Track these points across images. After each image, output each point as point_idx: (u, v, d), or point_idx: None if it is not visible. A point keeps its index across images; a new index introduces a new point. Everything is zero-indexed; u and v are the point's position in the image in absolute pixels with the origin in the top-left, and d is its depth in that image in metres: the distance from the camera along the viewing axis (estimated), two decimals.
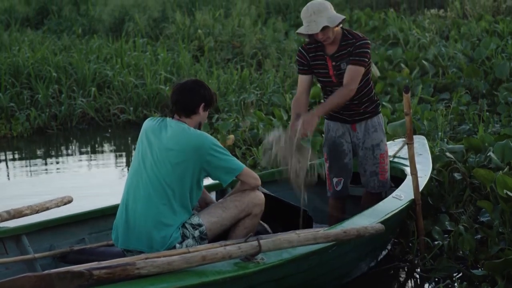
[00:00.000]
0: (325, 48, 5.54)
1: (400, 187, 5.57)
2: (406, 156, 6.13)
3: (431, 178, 6.45)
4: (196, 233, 4.68)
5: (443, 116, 8.21)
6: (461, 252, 5.56)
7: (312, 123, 5.26)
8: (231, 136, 9.23)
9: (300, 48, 5.64)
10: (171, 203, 4.63)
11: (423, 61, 11.17)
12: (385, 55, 11.91)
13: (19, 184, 8.48)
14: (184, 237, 4.64)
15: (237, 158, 8.77)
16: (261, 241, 4.16)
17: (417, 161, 5.91)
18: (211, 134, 9.52)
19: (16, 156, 9.90)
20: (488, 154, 6.47)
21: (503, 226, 5.49)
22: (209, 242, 4.73)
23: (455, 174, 6.44)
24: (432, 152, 6.78)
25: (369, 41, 5.50)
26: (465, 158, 6.69)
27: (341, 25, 5.49)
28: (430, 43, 12.41)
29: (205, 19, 15.35)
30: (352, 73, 5.40)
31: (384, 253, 5.73)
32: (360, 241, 4.83)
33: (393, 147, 6.49)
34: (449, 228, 5.82)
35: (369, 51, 5.46)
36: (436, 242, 5.66)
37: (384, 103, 9.42)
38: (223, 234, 4.86)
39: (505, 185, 5.44)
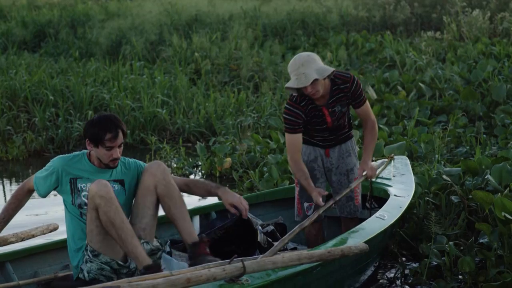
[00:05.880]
0: (315, 100, 5.46)
1: (383, 207, 5.53)
2: (389, 176, 6.15)
3: (427, 202, 6.44)
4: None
5: (440, 139, 8.21)
6: (460, 275, 5.54)
7: (375, 169, 5.72)
8: (228, 159, 9.22)
9: (289, 107, 5.47)
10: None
11: (420, 84, 11.18)
12: (381, 78, 11.93)
13: None
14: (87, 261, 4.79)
15: (234, 181, 8.77)
16: (245, 262, 4.14)
17: (399, 181, 5.94)
18: (208, 158, 9.56)
19: (13, 179, 9.88)
20: (485, 177, 6.45)
21: (502, 248, 5.47)
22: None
23: (452, 197, 6.43)
24: (429, 175, 6.78)
25: (356, 77, 5.54)
26: (462, 181, 6.67)
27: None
28: (427, 65, 12.44)
29: (202, 42, 15.38)
30: (366, 111, 5.62)
31: (370, 273, 5.70)
32: (345, 261, 4.82)
33: None
34: (447, 250, 5.79)
35: (361, 85, 5.55)
36: (431, 261, 5.64)
37: (381, 125, 9.42)
38: None
39: (503, 208, 5.42)
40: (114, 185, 4.88)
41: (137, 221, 4.82)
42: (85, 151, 4.94)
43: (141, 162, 5.06)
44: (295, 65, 5.28)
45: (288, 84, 5.33)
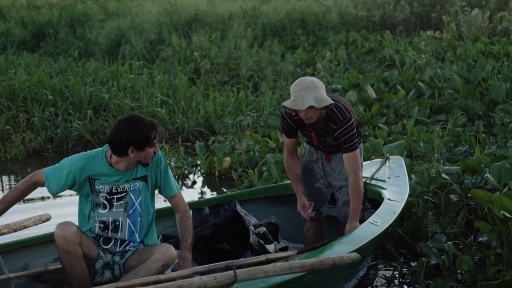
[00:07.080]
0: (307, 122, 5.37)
1: (377, 212, 5.47)
2: (384, 178, 6.11)
3: (426, 200, 6.43)
4: None
5: (439, 138, 8.20)
6: (459, 274, 5.54)
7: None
8: (228, 159, 9.21)
9: (284, 114, 5.45)
10: None
11: (419, 83, 11.17)
12: (381, 77, 11.92)
13: None
14: None
15: (233, 180, 8.77)
16: (237, 270, 4.14)
17: (394, 183, 5.89)
18: (207, 157, 9.55)
19: (12, 179, 9.88)
20: (484, 176, 6.45)
21: (501, 247, 5.47)
22: None
23: (451, 196, 6.42)
24: (428, 174, 6.77)
25: (350, 120, 5.31)
26: (461, 179, 6.67)
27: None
28: (426, 64, 12.42)
29: (202, 41, 15.38)
30: (351, 161, 5.34)
31: (363, 273, 5.69)
32: (336, 268, 4.75)
33: (371, 168, 6.42)
34: (446, 249, 5.78)
35: (353, 130, 5.32)
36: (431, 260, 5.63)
37: (380, 124, 9.41)
38: None
39: (502, 206, 5.42)
40: (136, 183, 4.79)
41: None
42: (103, 148, 4.80)
43: (161, 156, 4.90)
44: (297, 87, 5.21)
45: (284, 103, 5.28)
